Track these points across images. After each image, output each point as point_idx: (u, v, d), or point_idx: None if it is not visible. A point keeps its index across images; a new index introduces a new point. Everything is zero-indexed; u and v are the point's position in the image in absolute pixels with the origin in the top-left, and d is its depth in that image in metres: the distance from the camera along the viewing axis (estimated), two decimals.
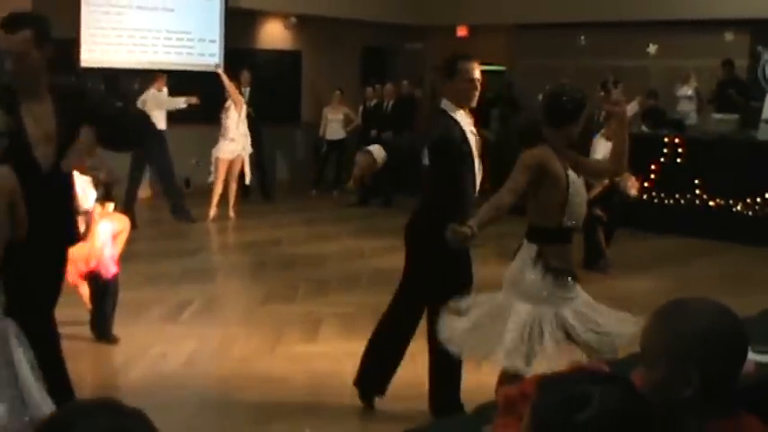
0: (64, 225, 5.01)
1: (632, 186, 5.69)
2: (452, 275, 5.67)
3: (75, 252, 6.67)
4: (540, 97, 5.40)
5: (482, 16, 19.01)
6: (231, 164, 13.74)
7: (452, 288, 5.44)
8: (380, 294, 9.28)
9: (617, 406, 1.99)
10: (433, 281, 5.70)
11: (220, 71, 14.17)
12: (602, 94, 15.99)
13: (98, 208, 7.28)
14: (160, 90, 13.90)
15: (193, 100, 13.79)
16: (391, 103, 16.51)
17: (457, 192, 5.73)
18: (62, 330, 7.33)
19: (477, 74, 5.74)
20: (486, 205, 4.95)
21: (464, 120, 5.83)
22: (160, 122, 13.39)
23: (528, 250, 5.12)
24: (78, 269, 7.24)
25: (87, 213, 7.09)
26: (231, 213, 13.81)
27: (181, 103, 13.78)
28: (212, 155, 13.85)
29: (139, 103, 13.52)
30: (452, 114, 5.76)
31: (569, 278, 5.12)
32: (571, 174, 5.11)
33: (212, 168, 13.88)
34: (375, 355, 6.08)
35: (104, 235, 7.26)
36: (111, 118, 5.41)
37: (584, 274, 10.43)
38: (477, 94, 5.84)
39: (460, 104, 5.82)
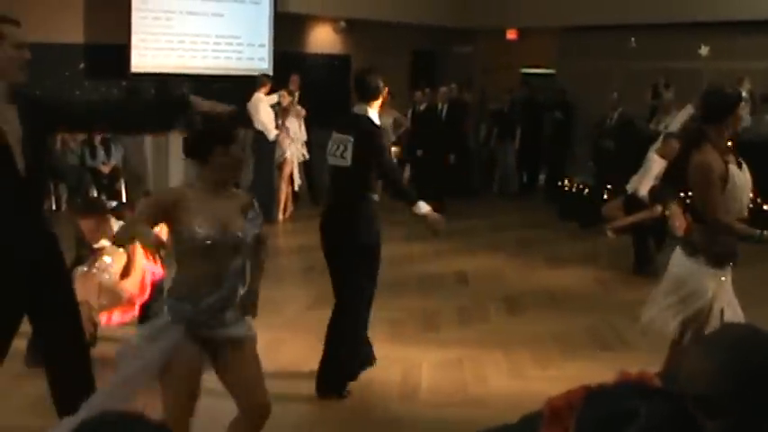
0: (31, 231, 4.76)
1: (680, 227, 5.66)
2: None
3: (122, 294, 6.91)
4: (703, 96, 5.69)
5: (530, 19, 19.00)
6: (280, 167, 13.82)
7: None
8: (429, 299, 9.33)
9: (664, 424, 1.95)
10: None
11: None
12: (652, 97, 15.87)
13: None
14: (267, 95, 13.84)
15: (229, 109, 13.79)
16: (446, 106, 16.44)
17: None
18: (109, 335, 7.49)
19: None
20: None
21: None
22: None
23: None
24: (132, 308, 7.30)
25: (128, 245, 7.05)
26: (280, 216, 13.87)
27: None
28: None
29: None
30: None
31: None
32: (732, 167, 5.40)
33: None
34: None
35: (142, 259, 7.25)
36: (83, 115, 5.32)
37: (634, 278, 10.49)
38: None
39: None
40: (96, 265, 7.07)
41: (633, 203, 10.87)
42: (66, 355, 4.95)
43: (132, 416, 1.87)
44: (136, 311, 7.38)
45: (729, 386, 2.19)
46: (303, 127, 14.15)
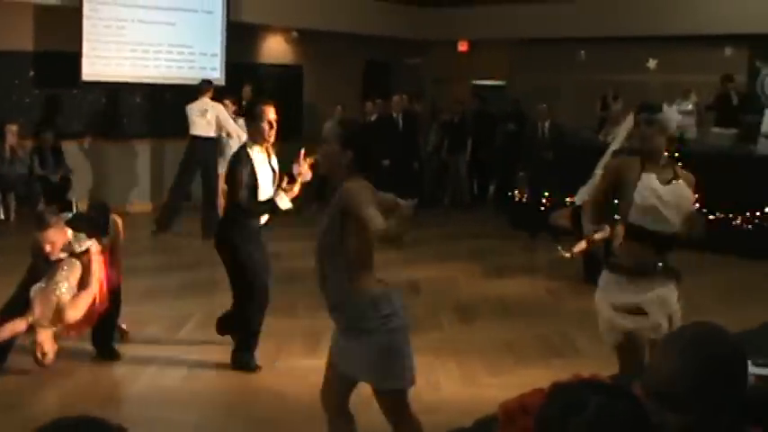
0: None
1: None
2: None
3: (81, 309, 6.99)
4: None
5: (482, 31, 19.23)
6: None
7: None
8: None
9: (612, 417, 2.00)
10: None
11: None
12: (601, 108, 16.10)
13: (94, 247, 7.28)
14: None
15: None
16: (401, 115, 16.58)
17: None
18: (64, 345, 7.48)
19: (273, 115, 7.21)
20: None
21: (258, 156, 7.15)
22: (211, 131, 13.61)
23: None
24: (92, 319, 7.33)
25: (84, 255, 7.18)
26: None
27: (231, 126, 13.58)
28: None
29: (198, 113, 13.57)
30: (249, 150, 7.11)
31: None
32: (645, 177, 5.47)
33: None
34: None
35: (99, 269, 7.29)
36: None
37: (583, 287, 10.63)
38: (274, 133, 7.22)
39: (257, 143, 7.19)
40: (56, 278, 7.07)
41: (581, 214, 11.03)
42: None
43: (90, 419, 1.86)
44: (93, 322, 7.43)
45: (691, 381, 2.31)
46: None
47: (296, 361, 7.72)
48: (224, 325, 7.76)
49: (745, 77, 16.83)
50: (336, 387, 4.98)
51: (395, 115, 16.49)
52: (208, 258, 7.91)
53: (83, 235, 7.24)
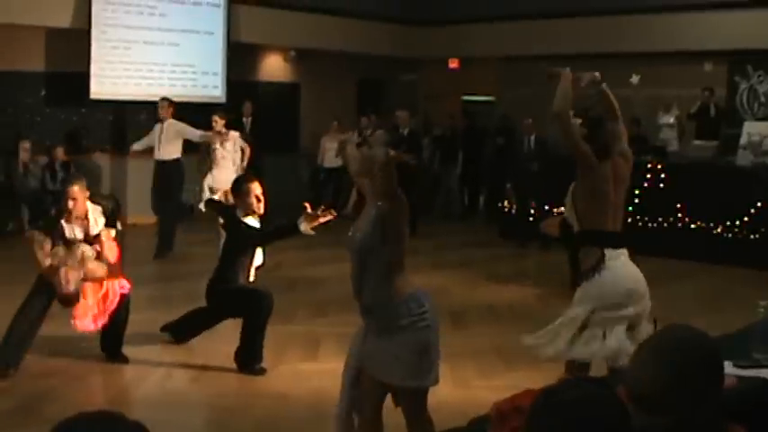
0: None
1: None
2: None
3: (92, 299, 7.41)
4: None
5: (472, 49, 19.58)
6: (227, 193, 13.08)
7: None
8: None
9: (592, 405, 2.14)
10: None
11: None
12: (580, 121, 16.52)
13: (104, 233, 7.62)
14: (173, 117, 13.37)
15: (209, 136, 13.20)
16: (407, 130, 16.62)
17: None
18: (73, 349, 7.87)
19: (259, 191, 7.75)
20: None
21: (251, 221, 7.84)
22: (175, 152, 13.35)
23: None
24: (106, 311, 7.70)
25: (96, 238, 7.57)
26: None
27: (197, 136, 13.31)
28: (205, 183, 13.27)
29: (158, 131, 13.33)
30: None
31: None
32: None
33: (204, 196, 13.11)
34: None
35: (111, 253, 7.69)
36: None
37: (570, 292, 11.05)
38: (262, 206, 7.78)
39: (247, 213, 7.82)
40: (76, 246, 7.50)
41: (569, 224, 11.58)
42: None
43: (110, 414, 1.90)
44: (105, 320, 7.73)
45: (668, 384, 2.39)
46: (239, 153, 13.46)
47: (297, 365, 7.98)
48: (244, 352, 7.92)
49: (725, 91, 17.30)
50: (369, 391, 5.04)
51: (401, 130, 16.58)
52: (212, 268, 8.17)
53: (100, 217, 7.61)
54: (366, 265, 4.90)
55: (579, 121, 6.25)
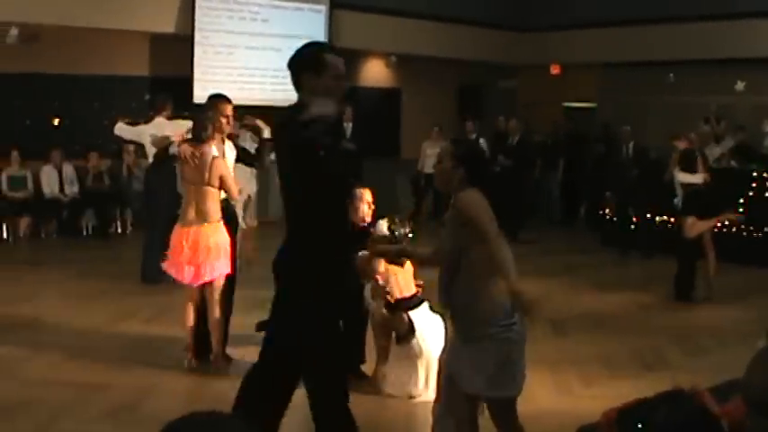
0: None
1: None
2: None
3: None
4: None
5: (573, 55, 19.54)
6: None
7: None
8: None
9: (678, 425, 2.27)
10: None
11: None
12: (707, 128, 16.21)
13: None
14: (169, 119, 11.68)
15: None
16: (517, 138, 16.67)
17: None
18: (176, 347, 7.92)
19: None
20: None
21: None
22: None
23: None
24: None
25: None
26: None
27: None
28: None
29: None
30: None
31: None
32: None
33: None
34: None
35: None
36: None
37: (673, 303, 10.92)
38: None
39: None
40: None
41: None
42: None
43: (221, 415, 1.89)
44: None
45: None
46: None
47: None
48: None
49: None
50: (461, 394, 4.99)
51: (510, 139, 16.63)
52: None
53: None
54: (452, 271, 4.89)
55: None
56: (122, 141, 13.30)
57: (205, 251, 7.54)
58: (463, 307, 4.90)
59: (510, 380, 4.86)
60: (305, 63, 4.88)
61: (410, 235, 7.12)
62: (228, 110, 8.05)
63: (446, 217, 5.05)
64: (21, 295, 10.55)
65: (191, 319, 7.79)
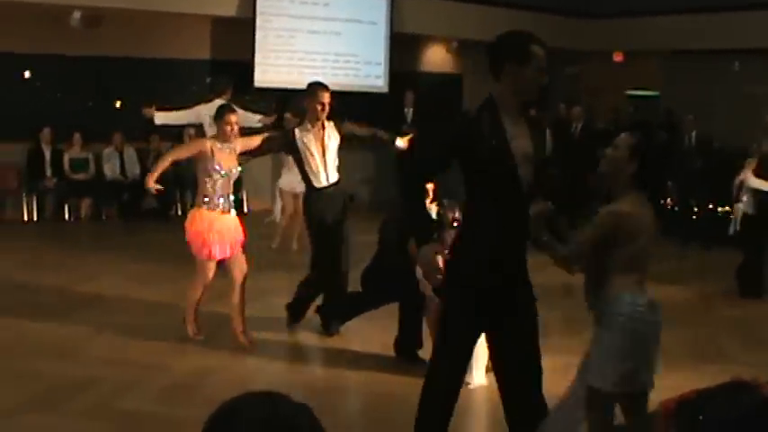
0: None
1: None
2: None
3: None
4: None
5: (637, 42, 19.28)
6: (296, 197, 12.29)
7: None
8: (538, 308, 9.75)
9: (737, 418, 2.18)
10: None
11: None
12: None
13: None
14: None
15: (268, 120, 12.15)
16: (580, 125, 16.66)
17: None
18: (230, 331, 8.02)
19: None
20: None
21: None
22: None
23: None
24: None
25: None
26: (295, 245, 13.00)
27: (255, 120, 11.90)
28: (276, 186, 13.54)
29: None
30: None
31: None
32: None
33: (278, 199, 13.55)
34: None
35: None
36: None
37: (735, 296, 10.77)
38: None
39: None
40: None
41: None
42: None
43: (276, 395, 1.90)
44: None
45: None
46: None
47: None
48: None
49: None
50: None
51: (574, 126, 16.59)
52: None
53: None
54: (596, 265, 4.92)
55: None
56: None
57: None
58: (602, 304, 4.93)
59: (610, 371, 4.81)
60: (510, 51, 4.96)
61: (459, 221, 7.08)
62: (326, 97, 8.34)
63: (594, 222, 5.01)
64: (83, 276, 10.75)
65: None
